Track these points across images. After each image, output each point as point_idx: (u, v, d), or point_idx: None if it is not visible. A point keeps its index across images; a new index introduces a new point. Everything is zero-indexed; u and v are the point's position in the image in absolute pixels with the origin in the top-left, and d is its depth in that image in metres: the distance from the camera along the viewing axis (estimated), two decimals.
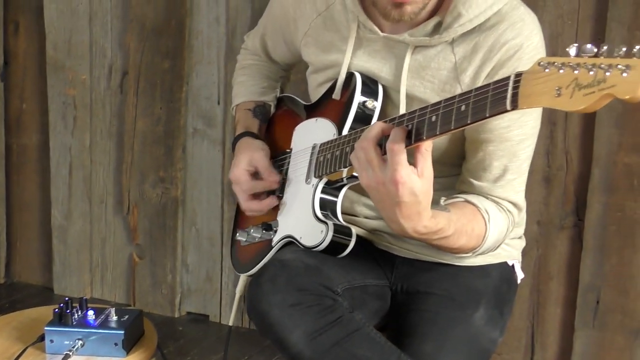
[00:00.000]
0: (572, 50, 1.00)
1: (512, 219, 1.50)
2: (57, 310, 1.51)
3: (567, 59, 1.00)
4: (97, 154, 2.88)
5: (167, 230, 2.81)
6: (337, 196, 1.46)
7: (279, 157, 1.62)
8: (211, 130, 2.71)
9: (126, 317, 1.53)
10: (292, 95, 1.76)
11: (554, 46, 2.21)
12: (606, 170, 2.21)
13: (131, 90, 2.77)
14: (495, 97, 1.10)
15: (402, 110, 1.43)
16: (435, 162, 1.46)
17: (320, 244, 1.42)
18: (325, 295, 1.38)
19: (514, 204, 1.49)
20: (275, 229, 1.54)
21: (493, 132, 1.40)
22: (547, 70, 1.02)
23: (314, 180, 1.47)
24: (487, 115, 1.12)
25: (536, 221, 2.32)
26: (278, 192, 1.58)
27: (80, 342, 1.51)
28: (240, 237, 1.61)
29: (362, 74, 1.48)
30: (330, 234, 1.41)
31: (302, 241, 1.46)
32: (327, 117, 1.51)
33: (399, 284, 1.57)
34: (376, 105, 1.46)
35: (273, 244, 1.54)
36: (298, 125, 1.59)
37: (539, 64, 1.03)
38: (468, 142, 1.45)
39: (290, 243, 1.50)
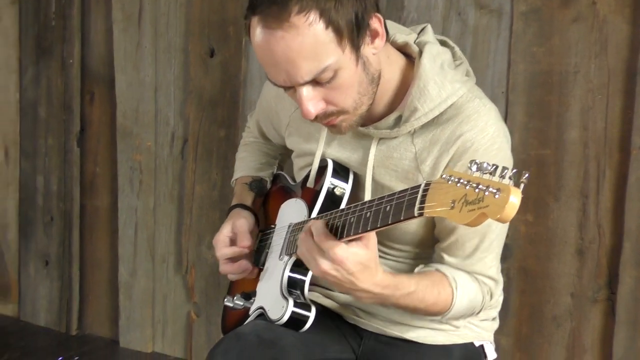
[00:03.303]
0: (474, 167, 1.08)
1: (489, 289, 1.56)
2: None
3: (464, 175, 1.08)
4: (160, 216, 3.05)
5: (221, 290, 2.93)
6: (306, 274, 1.55)
7: (266, 230, 1.73)
8: None
9: None
10: (285, 174, 1.87)
11: (585, 120, 2.23)
12: (637, 244, 2.19)
13: (190, 156, 2.94)
14: (409, 203, 1.19)
15: (367, 196, 1.51)
16: (415, 246, 1.55)
17: (281, 318, 1.52)
18: None
19: (489, 277, 1.55)
20: (253, 298, 1.64)
21: None
22: (449, 182, 1.10)
23: (285, 258, 1.56)
24: (402, 218, 1.21)
25: (569, 293, 2.31)
26: (261, 263, 1.68)
27: None
28: (227, 302, 1.71)
29: (334, 162, 1.57)
30: (290, 310, 1.51)
31: (268, 314, 1.55)
32: (303, 198, 1.61)
33: (365, 358, 1.63)
34: (345, 191, 1.55)
35: (250, 312, 1.63)
36: (284, 203, 1.70)
37: (442, 176, 1.11)
38: (439, 228, 1.52)
39: (262, 314, 1.59)
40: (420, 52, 1.51)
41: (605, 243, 2.26)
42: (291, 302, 1.51)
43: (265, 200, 1.85)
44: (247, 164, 1.92)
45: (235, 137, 2.83)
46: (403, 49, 1.56)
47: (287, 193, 1.76)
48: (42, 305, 3.39)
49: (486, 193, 1.02)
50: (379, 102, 1.50)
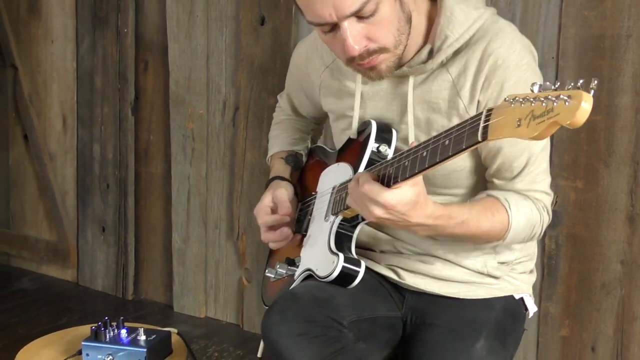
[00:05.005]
0: (535, 87, 1.11)
1: (543, 205, 1.57)
2: (94, 328, 1.71)
3: (528, 94, 1.11)
4: (212, 182, 3.09)
5: None
6: (352, 232, 1.58)
7: (307, 199, 1.75)
8: None
9: (153, 336, 1.71)
10: (322, 145, 1.88)
11: (637, 85, 2.19)
12: None
13: (241, 124, 2.97)
14: (471, 131, 1.21)
15: (411, 135, 1.56)
16: (464, 188, 1.60)
17: (331, 274, 1.53)
18: (331, 326, 1.49)
19: (540, 192, 1.57)
20: (298, 263, 1.66)
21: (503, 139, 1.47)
22: (512, 105, 1.13)
23: (331, 218, 1.59)
24: (464, 147, 1.23)
25: (619, 261, 2.29)
26: (303, 229, 1.70)
27: (110, 356, 1.70)
28: (269, 273, 1.73)
29: (377, 122, 1.59)
30: (340, 264, 1.53)
31: (317, 272, 1.57)
32: (346, 160, 1.63)
33: (408, 315, 1.66)
34: (389, 152, 1.56)
35: (295, 277, 1.65)
36: (324, 171, 1.72)
37: (505, 99, 1.15)
38: (485, 154, 1.55)
39: (310, 276, 1.61)
40: None
41: None
42: (342, 256, 1.53)
43: (302, 174, 1.88)
44: (281, 140, 1.95)
45: None
46: None
47: (325, 163, 1.78)
48: (100, 270, 3.48)
49: (555, 103, 1.05)
50: (409, 43, 1.53)
